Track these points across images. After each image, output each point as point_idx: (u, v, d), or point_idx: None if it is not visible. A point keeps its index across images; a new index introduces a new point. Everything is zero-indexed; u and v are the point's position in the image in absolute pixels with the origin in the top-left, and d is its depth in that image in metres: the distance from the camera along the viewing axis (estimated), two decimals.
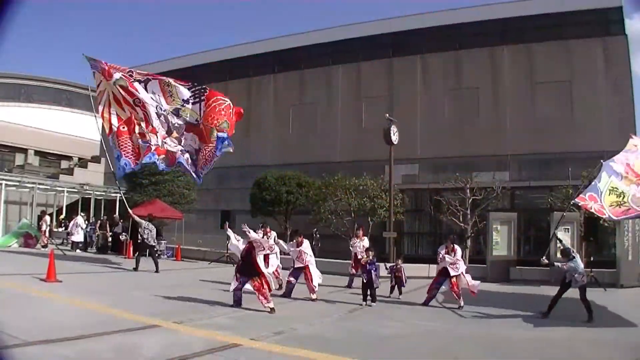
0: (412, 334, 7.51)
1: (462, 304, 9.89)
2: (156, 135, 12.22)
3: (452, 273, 10.06)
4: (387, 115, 17.86)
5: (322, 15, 78.78)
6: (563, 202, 17.28)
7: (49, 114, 43.18)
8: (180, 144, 12.08)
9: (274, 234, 12.46)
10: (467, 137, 23.63)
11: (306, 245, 10.73)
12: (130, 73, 12.37)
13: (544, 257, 9.59)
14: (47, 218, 21.61)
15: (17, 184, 25.83)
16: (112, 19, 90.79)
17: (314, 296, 10.30)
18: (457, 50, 25.50)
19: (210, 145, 11.73)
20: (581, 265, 9.14)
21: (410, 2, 53.99)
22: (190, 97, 11.94)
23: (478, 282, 10.43)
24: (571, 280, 8.91)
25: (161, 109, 12.16)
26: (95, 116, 13.05)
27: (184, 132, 12.07)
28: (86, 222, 22.38)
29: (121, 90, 12.38)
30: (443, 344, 6.87)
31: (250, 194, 22.58)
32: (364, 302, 9.91)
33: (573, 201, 9.71)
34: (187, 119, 12.02)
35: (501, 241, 15.72)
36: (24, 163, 37.77)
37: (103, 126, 13.21)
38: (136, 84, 12.23)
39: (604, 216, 9.52)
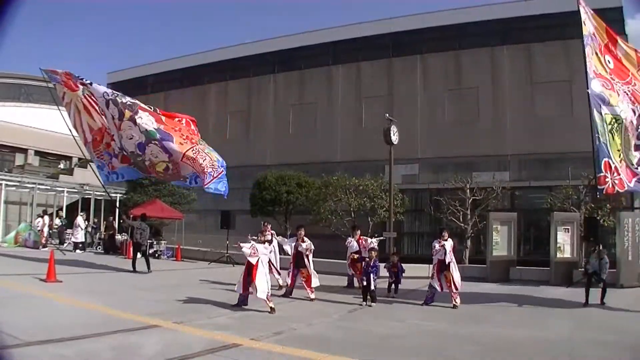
0: (411, 334, 7.51)
1: (457, 302, 9.88)
2: (119, 135, 12.42)
3: (447, 260, 10.04)
4: (387, 115, 17.85)
5: (322, 15, 78.79)
6: (563, 202, 17.28)
7: (49, 114, 43.12)
8: (135, 125, 12.16)
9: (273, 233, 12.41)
10: (467, 137, 23.62)
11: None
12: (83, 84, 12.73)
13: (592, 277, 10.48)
14: (47, 218, 21.58)
15: (17, 184, 25.82)
16: (112, 19, 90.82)
17: (312, 295, 10.32)
18: (457, 50, 25.50)
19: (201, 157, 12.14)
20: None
21: (410, 2, 54.05)
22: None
23: (459, 282, 10.22)
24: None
25: (108, 94, 12.39)
26: (69, 129, 13.28)
27: (138, 110, 12.29)
28: (86, 221, 22.38)
29: (89, 99, 12.64)
30: (443, 344, 6.86)
31: (250, 194, 22.58)
32: (364, 302, 9.92)
33: (599, 192, 9.37)
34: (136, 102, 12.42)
35: (501, 241, 15.71)
36: (24, 163, 37.73)
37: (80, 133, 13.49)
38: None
39: (623, 190, 9.24)
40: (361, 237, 12.44)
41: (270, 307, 8.52)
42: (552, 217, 15.28)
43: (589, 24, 9.09)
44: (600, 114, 8.79)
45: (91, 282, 11.96)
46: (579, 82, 22.56)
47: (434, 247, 10.40)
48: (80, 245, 20.98)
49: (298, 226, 11.38)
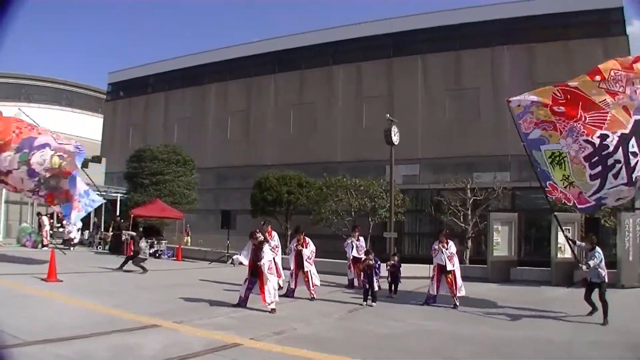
0: (411, 334, 7.50)
1: (457, 302, 9.89)
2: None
3: (448, 267, 10.05)
4: (388, 115, 17.83)
5: (322, 15, 78.79)
6: (563, 202, 17.26)
7: (49, 114, 43.13)
8: None
9: (275, 234, 12.36)
10: (467, 138, 23.61)
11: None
12: None
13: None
14: (45, 219, 21.52)
15: None
16: (112, 19, 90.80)
17: (313, 295, 10.32)
18: (457, 50, 25.48)
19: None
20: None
21: (410, 2, 54.05)
22: None
23: (463, 289, 10.30)
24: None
25: None
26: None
27: None
28: (94, 221, 22.42)
29: None
30: (443, 344, 6.85)
31: (250, 194, 22.57)
32: (364, 302, 9.91)
33: (548, 195, 9.73)
34: None
35: (502, 241, 15.68)
36: None
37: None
38: None
39: (569, 203, 9.60)
40: (358, 237, 12.52)
41: (271, 307, 8.51)
42: (552, 217, 15.24)
43: (525, 101, 9.69)
44: (540, 151, 9.48)
45: (91, 281, 11.95)
46: None
47: (434, 248, 10.44)
48: (73, 242, 21.05)
49: (296, 227, 11.36)
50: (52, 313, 7.59)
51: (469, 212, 18.74)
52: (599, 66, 9.43)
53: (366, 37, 27.52)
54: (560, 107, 9.41)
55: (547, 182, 9.41)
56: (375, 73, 27.15)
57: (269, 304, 8.51)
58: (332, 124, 27.69)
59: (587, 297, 8.92)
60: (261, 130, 30.13)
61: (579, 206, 9.47)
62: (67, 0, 71.68)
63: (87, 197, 13.50)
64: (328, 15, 78.61)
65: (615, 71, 9.19)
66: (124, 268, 14.06)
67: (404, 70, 26.46)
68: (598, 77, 9.29)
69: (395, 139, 17.45)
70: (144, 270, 13.86)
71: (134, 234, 15.42)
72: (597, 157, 9.06)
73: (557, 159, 9.31)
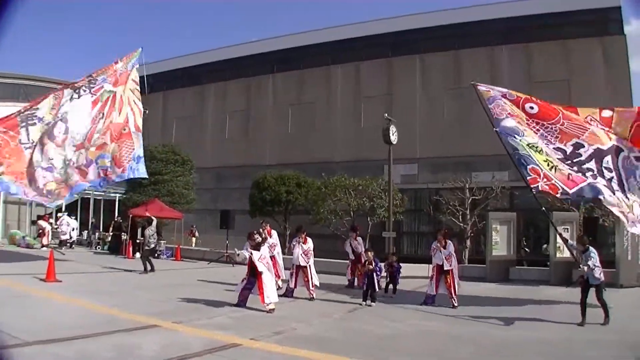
0: (411, 334, 7.52)
1: (455, 303, 9.90)
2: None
3: (445, 267, 10.08)
4: (386, 115, 17.82)
5: (322, 15, 78.70)
6: (562, 201, 17.28)
7: None
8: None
9: (274, 233, 12.40)
10: (466, 137, 23.59)
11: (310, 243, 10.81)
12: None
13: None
14: (42, 222, 21.53)
15: None
16: (112, 18, 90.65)
17: (313, 295, 10.34)
18: (457, 50, 25.49)
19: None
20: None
21: (410, 1, 54.04)
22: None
23: (457, 286, 10.27)
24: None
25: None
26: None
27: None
28: (92, 221, 22.42)
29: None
30: (442, 345, 6.87)
31: (249, 193, 22.57)
32: (364, 302, 9.92)
33: (534, 191, 8.89)
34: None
35: (500, 241, 15.69)
36: None
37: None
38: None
39: (557, 193, 8.87)
40: (357, 237, 12.57)
41: (270, 307, 8.51)
42: (552, 217, 15.25)
43: (495, 91, 9.65)
44: (515, 139, 9.12)
45: (91, 281, 11.95)
46: (577, 82, 22.72)
47: (433, 247, 10.49)
48: (69, 243, 21.17)
49: (298, 227, 11.42)
50: (52, 313, 7.59)
51: (468, 212, 18.76)
52: (577, 108, 9.34)
53: (366, 36, 27.50)
54: (534, 107, 9.19)
55: (529, 167, 8.74)
56: (374, 72, 27.14)
57: (268, 304, 8.52)
58: (331, 123, 27.69)
59: (583, 301, 8.55)
60: (260, 129, 30.12)
61: (571, 190, 8.68)
62: (67, 0, 71.52)
63: (136, 163, 12.95)
64: (327, 15, 78.54)
65: (592, 118, 9.07)
66: (147, 266, 14.03)
67: (402, 69, 26.46)
68: (573, 114, 9.23)
69: (394, 138, 17.42)
70: (144, 270, 13.86)
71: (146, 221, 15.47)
72: (570, 161, 8.87)
73: (535, 147, 8.92)
